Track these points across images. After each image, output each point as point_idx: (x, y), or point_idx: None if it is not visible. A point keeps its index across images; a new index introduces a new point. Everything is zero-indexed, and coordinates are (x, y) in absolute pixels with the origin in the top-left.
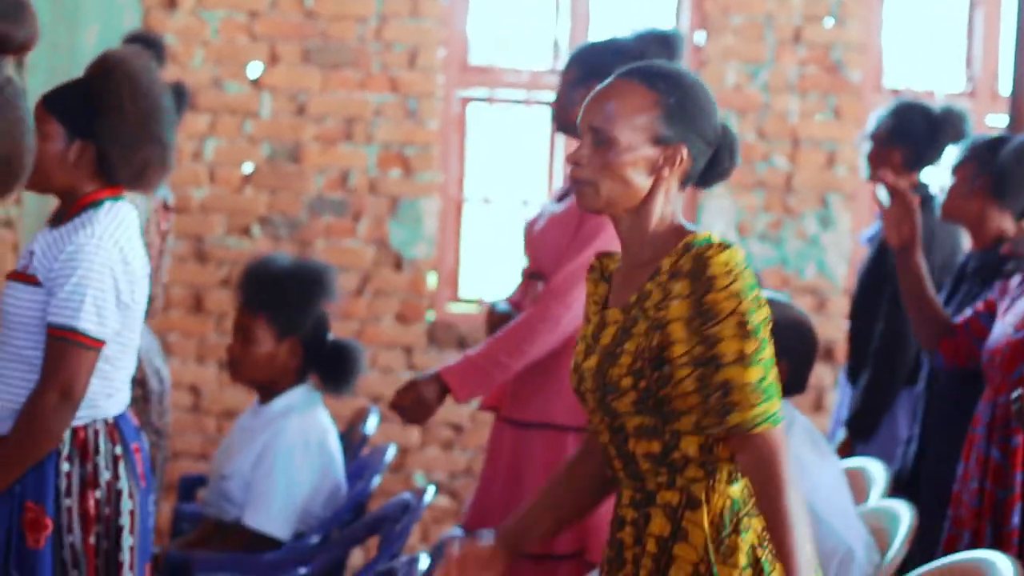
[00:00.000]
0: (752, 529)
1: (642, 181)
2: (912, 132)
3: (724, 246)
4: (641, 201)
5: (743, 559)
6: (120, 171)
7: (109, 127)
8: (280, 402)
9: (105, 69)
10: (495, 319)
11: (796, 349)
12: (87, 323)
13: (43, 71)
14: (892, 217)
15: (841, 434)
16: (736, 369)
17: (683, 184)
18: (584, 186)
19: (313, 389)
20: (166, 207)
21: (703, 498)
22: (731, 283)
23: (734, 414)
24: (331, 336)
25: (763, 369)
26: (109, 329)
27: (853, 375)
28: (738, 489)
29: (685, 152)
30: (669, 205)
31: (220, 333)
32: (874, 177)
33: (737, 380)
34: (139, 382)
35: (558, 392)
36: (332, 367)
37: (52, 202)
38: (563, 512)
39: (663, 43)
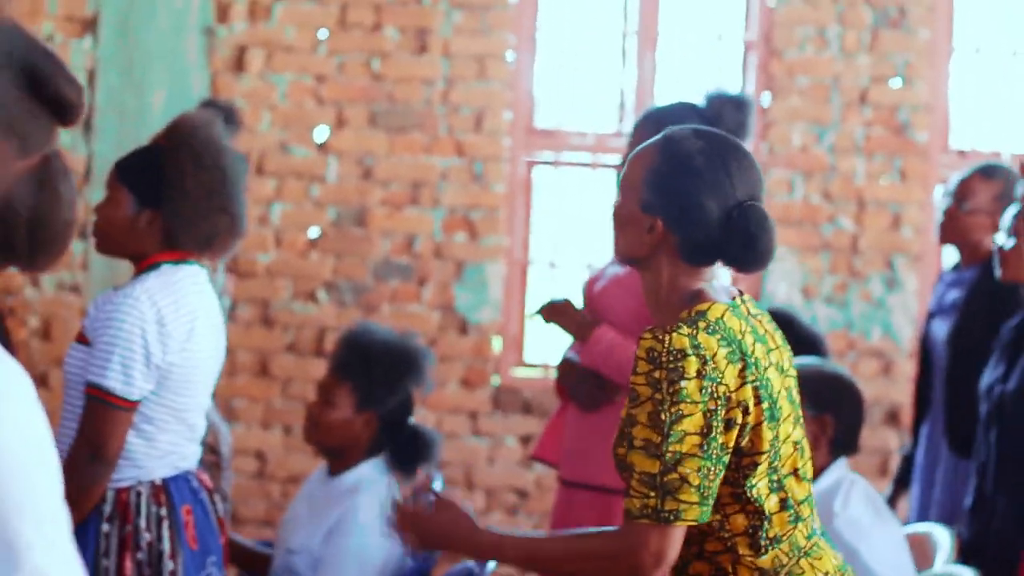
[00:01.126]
0: None
1: (635, 241)
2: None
3: (669, 330)
4: (643, 261)
5: None
6: (185, 241)
7: (173, 199)
8: (351, 476)
9: (173, 138)
10: (568, 369)
11: (838, 405)
12: (113, 382)
13: (111, 136)
14: None
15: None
16: (639, 455)
17: (691, 259)
18: (620, 226)
19: (383, 464)
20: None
21: (731, 569)
22: (651, 370)
23: (627, 498)
24: (412, 420)
25: (665, 464)
26: (138, 389)
27: (958, 443)
28: (768, 559)
29: (660, 225)
30: (668, 277)
31: (286, 398)
32: (949, 240)
33: (637, 466)
34: (211, 448)
35: (607, 454)
36: (406, 450)
37: (119, 267)
38: None
39: (736, 106)
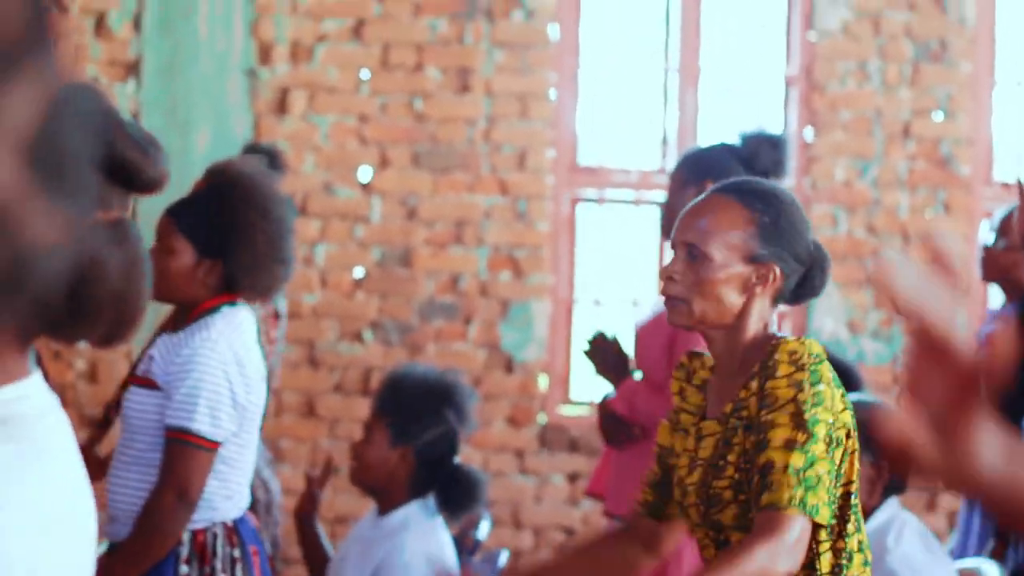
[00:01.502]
0: None
1: (734, 299)
2: None
3: (798, 339)
4: (734, 319)
5: None
6: (247, 290)
7: (240, 250)
8: (398, 515)
9: (236, 189)
10: (600, 407)
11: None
12: (201, 424)
13: None
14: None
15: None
16: (780, 452)
17: (775, 302)
18: (677, 303)
19: (431, 505)
20: (276, 315)
21: None
22: (793, 372)
23: (767, 493)
24: (458, 460)
25: (807, 459)
26: (224, 430)
27: None
28: None
29: (778, 271)
30: (761, 322)
31: (332, 439)
32: (991, 278)
33: (779, 462)
34: (264, 487)
35: None
36: (451, 490)
37: (162, 309)
38: None
39: (772, 145)
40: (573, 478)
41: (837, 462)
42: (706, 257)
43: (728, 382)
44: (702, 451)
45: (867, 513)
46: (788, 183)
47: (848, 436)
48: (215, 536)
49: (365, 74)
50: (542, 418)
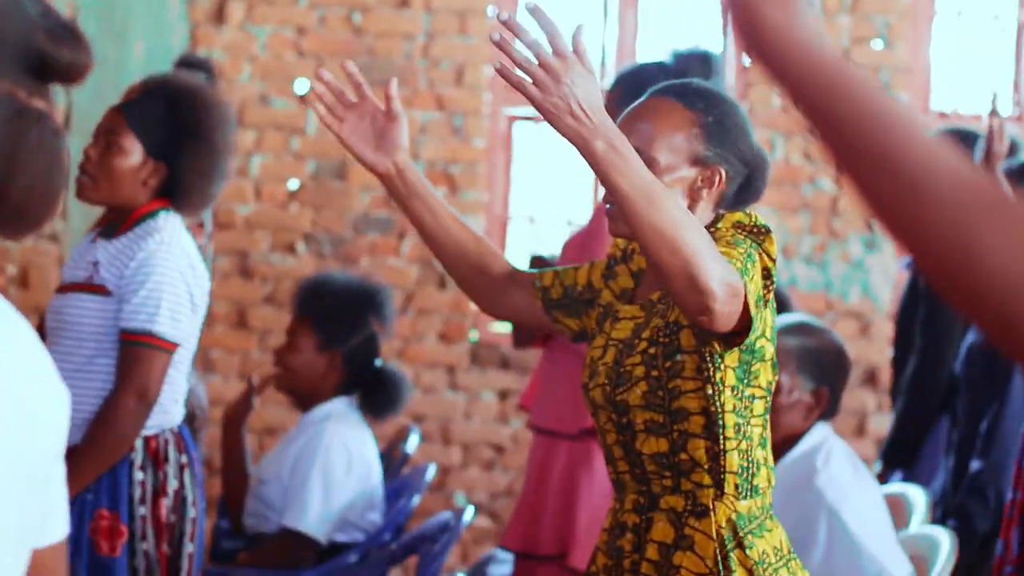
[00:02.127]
0: (756, 548)
1: (680, 203)
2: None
3: (745, 212)
4: None
5: (744, 575)
6: (192, 197)
7: (193, 156)
8: (320, 410)
9: (191, 95)
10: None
11: (835, 377)
12: (163, 326)
13: (90, 86)
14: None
15: (878, 465)
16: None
17: (717, 205)
18: (614, 214)
19: (353, 404)
20: (200, 225)
21: (711, 506)
22: (734, 235)
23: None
24: (380, 361)
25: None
26: (183, 332)
27: (895, 401)
28: (746, 506)
29: (723, 173)
30: (704, 220)
31: (263, 350)
32: None
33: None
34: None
35: (557, 399)
36: (374, 391)
37: (97, 216)
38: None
39: (703, 62)
40: (503, 395)
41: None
42: (652, 161)
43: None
44: (616, 332)
45: (798, 436)
46: None
47: (768, 339)
48: (166, 442)
49: None
50: (473, 335)
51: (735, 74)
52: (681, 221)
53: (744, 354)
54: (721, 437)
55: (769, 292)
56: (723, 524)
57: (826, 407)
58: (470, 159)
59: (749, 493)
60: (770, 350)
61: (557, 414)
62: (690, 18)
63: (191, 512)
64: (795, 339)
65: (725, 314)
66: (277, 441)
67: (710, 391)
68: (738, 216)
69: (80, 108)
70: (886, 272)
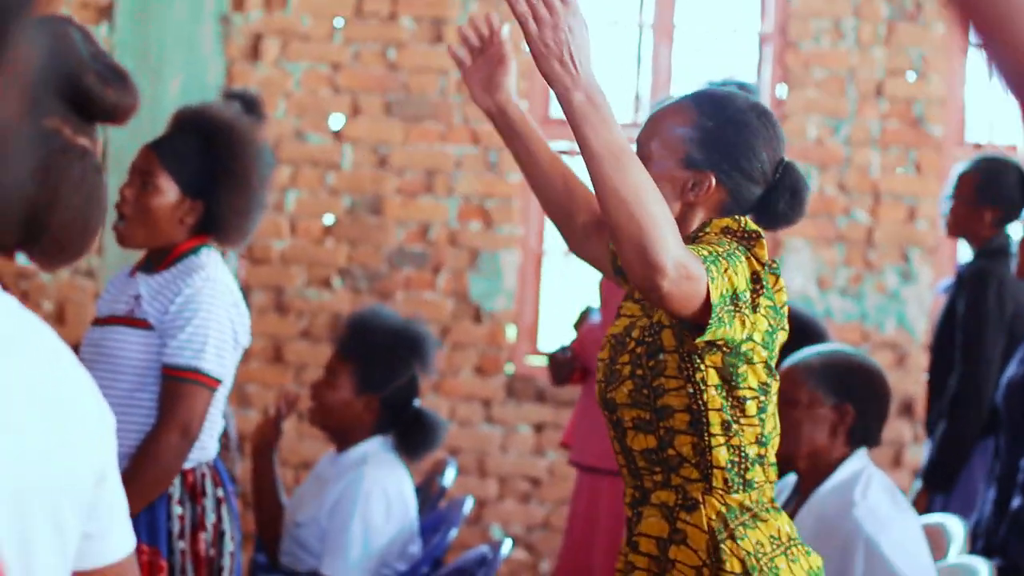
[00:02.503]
0: (748, 539)
1: (669, 201)
2: (1003, 191)
3: (733, 217)
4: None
5: (737, 566)
6: (230, 234)
7: (227, 192)
8: (357, 451)
9: (223, 130)
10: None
11: (861, 395)
12: (209, 363)
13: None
14: None
15: (918, 485)
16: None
17: (721, 215)
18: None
19: (389, 443)
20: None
21: (700, 499)
22: (720, 239)
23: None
24: (418, 403)
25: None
26: (227, 369)
27: (930, 428)
28: (738, 499)
29: (714, 180)
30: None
31: (299, 384)
32: (954, 234)
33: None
34: (223, 433)
35: (597, 437)
36: (410, 432)
37: (134, 251)
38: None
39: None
40: (539, 428)
41: (748, 330)
42: (647, 154)
43: None
44: (614, 328)
45: (834, 463)
46: None
47: (758, 338)
48: (203, 476)
49: (339, 22)
50: (509, 368)
51: (770, 105)
52: (645, 190)
53: (728, 356)
54: (706, 433)
55: (759, 296)
56: (713, 517)
57: (852, 425)
58: (505, 194)
59: (742, 487)
60: (762, 354)
61: (600, 451)
62: (724, 54)
63: (229, 546)
64: (821, 357)
65: (675, 295)
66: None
67: (691, 389)
68: (727, 221)
69: (116, 144)
70: (921, 303)
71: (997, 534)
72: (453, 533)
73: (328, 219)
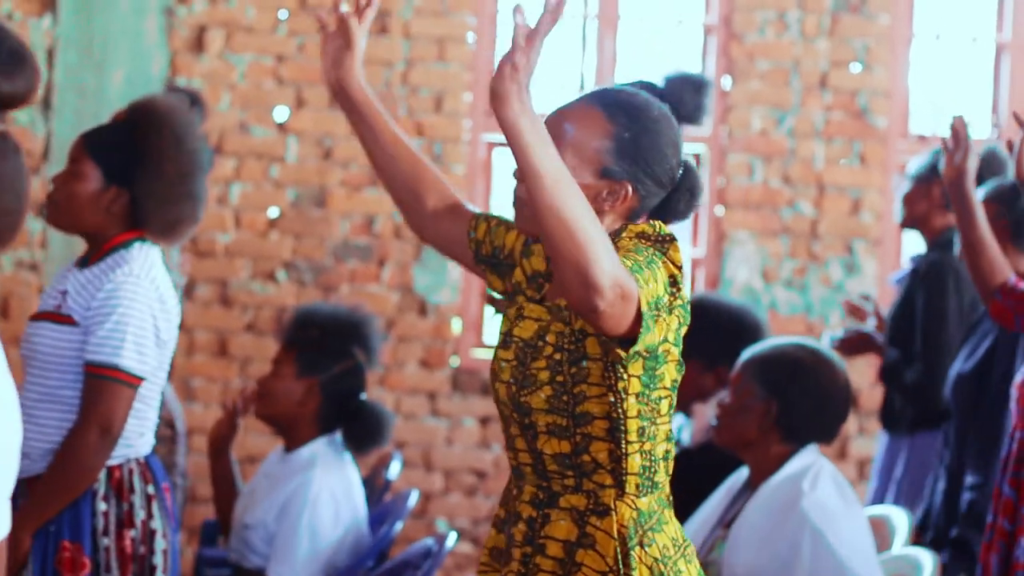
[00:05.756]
0: (656, 544)
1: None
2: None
3: (649, 222)
4: None
5: (645, 573)
6: (152, 223)
7: (148, 179)
8: (305, 451)
9: (151, 119)
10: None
11: (788, 390)
12: (128, 360)
13: (70, 115)
14: (949, 152)
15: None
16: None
17: (628, 220)
18: (522, 207)
19: (338, 441)
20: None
21: (612, 505)
22: (636, 245)
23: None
24: (364, 396)
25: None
26: (148, 367)
27: (889, 420)
28: (646, 502)
29: (630, 190)
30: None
31: (244, 378)
32: (907, 222)
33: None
34: (168, 423)
35: None
36: (356, 426)
37: (78, 246)
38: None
39: (696, 89)
40: (484, 421)
41: (661, 339)
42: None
43: None
44: (519, 331)
45: (776, 457)
46: (705, 131)
47: (670, 342)
48: (131, 472)
49: (283, 14)
50: (455, 361)
51: (716, 98)
52: (583, 214)
53: (648, 361)
54: (623, 441)
55: (675, 299)
56: (625, 523)
57: (780, 422)
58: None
59: (649, 490)
60: (674, 352)
61: None
62: (668, 45)
63: (161, 544)
64: (763, 351)
65: (611, 316)
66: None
67: (612, 398)
68: (642, 227)
69: (60, 137)
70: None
71: (947, 525)
72: (398, 526)
73: (273, 212)
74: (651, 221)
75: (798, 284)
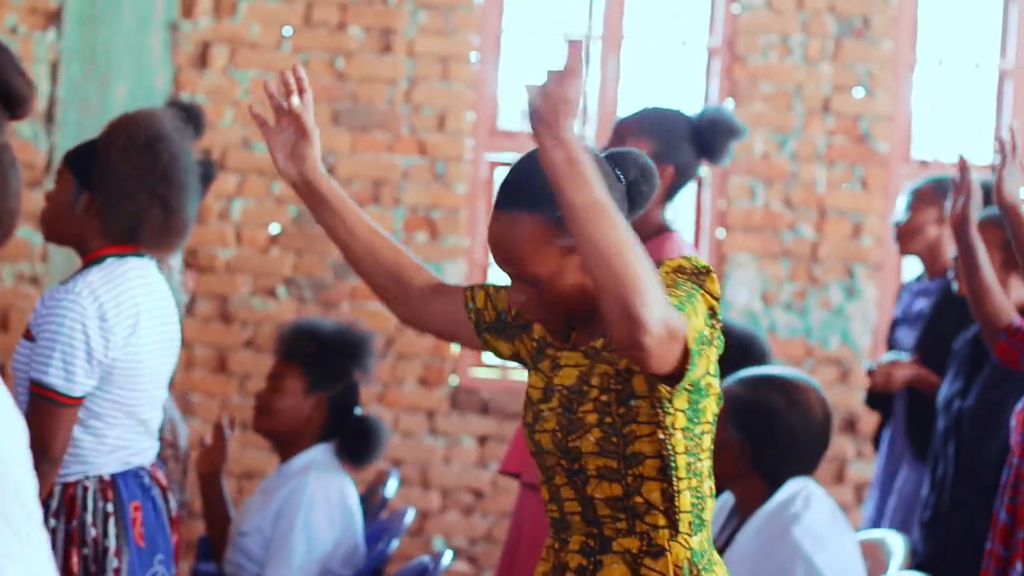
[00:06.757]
0: None
1: (578, 277)
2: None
3: (685, 257)
4: (587, 288)
5: None
6: (110, 222)
7: (103, 177)
8: (300, 459)
9: (116, 124)
10: None
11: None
12: (54, 379)
13: (73, 129)
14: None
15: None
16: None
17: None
18: (550, 325)
19: (332, 451)
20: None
21: (666, 546)
22: (675, 280)
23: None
24: (359, 409)
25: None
26: (79, 386)
27: (922, 452)
28: (699, 541)
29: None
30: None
31: (243, 394)
32: (905, 250)
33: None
34: (170, 443)
35: None
36: (353, 439)
37: (77, 259)
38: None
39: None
40: (482, 440)
41: (704, 375)
42: (536, 278)
43: (596, 320)
44: (560, 379)
45: (760, 492)
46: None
47: (711, 375)
48: (85, 490)
49: (287, 31)
50: (453, 380)
51: None
52: (628, 248)
53: (692, 394)
54: (674, 478)
55: (715, 331)
56: (680, 563)
57: (752, 463)
58: (452, 205)
59: (699, 527)
60: (715, 385)
61: None
62: (672, 67)
63: (114, 562)
64: (737, 388)
65: (658, 355)
66: (255, 485)
67: (661, 435)
68: (679, 261)
69: (62, 151)
70: (865, 319)
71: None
72: (394, 544)
73: (274, 228)
74: (686, 256)
75: (798, 307)
